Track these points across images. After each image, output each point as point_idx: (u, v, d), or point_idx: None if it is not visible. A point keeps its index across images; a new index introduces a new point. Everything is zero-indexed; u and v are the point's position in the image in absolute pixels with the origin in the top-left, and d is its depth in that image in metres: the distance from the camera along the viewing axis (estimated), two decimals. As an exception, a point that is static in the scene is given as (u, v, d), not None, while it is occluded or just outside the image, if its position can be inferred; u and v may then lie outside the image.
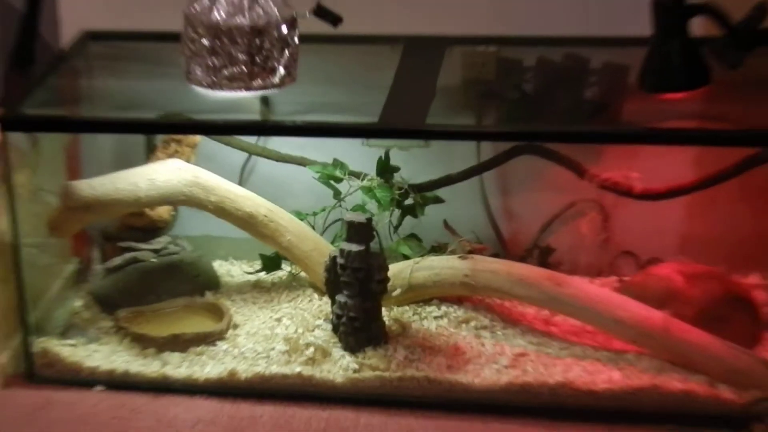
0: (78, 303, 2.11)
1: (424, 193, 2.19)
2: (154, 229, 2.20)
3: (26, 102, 1.92)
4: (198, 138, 2.19)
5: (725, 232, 2.21)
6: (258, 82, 1.95)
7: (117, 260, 2.15)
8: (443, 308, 2.14)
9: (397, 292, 2.09)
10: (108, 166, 2.10)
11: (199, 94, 1.97)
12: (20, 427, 1.77)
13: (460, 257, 2.10)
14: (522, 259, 2.19)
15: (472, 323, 2.09)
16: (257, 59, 1.94)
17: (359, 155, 2.17)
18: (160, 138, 2.18)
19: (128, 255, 2.16)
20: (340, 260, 2.01)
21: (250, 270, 2.30)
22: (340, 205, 2.21)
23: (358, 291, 1.99)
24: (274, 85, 1.97)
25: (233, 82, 1.95)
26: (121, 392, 1.89)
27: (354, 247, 1.98)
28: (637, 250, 2.25)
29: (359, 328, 2.00)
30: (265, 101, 2.00)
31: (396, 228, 2.20)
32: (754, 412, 1.82)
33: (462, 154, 2.19)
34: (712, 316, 1.95)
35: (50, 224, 2.00)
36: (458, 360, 1.99)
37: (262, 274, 2.28)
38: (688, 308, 1.96)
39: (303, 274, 2.23)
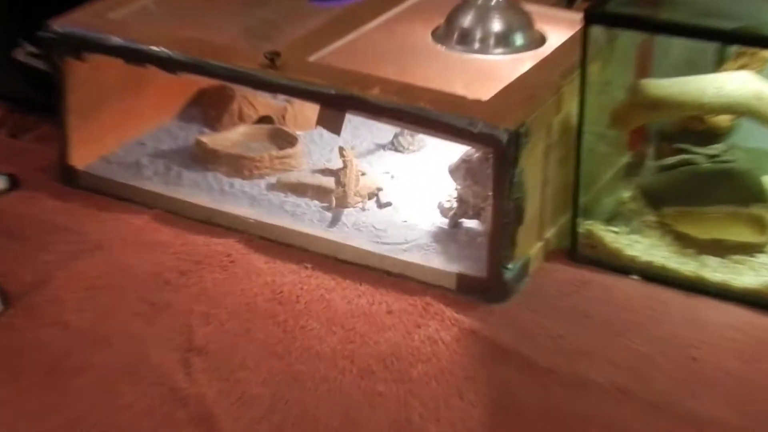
0: (626, 194, 1.60)
1: None
2: (712, 136, 1.62)
3: (610, 1, 1.45)
4: (768, 54, 1.48)
5: None
6: None
7: (670, 160, 1.57)
8: None
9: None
10: (676, 70, 1.54)
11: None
12: (558, 298, 1.40)
13: None
14: None
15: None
16: None
17: None
18: (733, 49, 1.63)
19: (682, 156, 1.65)
20: None
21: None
22: None
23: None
24: None
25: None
26: (654, 285, 1.38)
27: None
28: None
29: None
30: None
31: None
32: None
33: None
34: None
35: (613, 116, 1.49)
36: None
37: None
38: None
39: None
